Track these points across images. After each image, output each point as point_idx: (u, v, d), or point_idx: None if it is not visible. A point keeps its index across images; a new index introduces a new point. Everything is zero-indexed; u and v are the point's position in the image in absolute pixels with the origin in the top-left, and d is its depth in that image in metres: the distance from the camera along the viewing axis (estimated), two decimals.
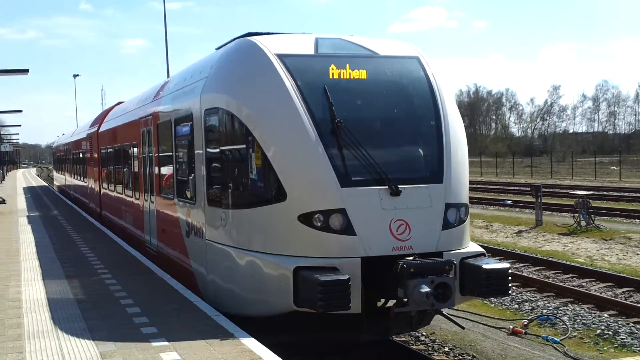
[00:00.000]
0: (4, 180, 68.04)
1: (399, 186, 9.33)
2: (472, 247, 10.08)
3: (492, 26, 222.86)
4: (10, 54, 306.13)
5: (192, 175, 11.55)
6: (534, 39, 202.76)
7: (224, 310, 9.75)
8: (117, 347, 7.80)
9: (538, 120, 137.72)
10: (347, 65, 10.06)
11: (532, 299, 14.92)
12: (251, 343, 8.06)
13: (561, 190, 41.24)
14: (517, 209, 32.72)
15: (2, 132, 70.12)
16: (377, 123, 10.19)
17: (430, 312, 9.83)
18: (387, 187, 9.31)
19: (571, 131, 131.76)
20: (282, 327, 9.42)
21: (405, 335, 12.29)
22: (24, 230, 21.24)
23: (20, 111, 44.40)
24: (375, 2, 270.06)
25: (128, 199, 18.44)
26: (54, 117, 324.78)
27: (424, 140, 10.23)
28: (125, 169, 19.02)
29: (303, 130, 9.33)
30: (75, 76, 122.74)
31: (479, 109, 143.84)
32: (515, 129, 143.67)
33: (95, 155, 25.37)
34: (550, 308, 14.08)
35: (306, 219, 9.11)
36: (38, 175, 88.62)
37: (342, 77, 9.98)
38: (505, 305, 14.53)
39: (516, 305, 14.48)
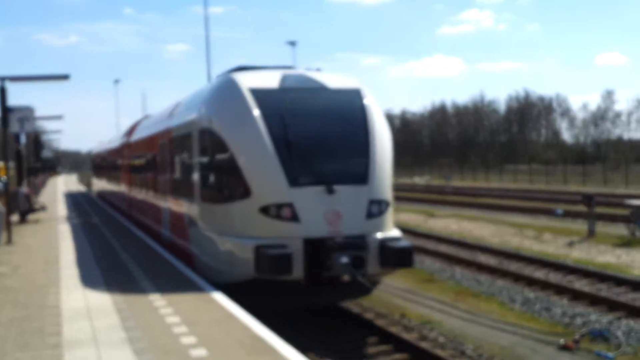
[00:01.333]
0: (45, 186, 69.07)
1: (334, 186, 12.67)
2: (393, 232, 13.45)
3: (545, 29, 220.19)
4: (52, 59, 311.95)
5: (191, 179, 15.37)
6: (590, 43, 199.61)
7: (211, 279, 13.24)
8: (156, 357, 7.77)
9: (591, 126, 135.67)
10: (303, 95, 13.87)
11: (584, 312, 14.45)
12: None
13: (615, 200, 40.21)
14: (569, 219, 32.04)
15: (43, 139, 71.20)
16: (320, 139, 13.41)
17: (367, 284, 12.72)
18: (324, 187, 12.65)
19: (626, 138, 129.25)
20: (254, 293, 12.45)
21: (450, 348, 12.03)
22: (63, 237, 21.41)
23: (61, 117, 44.74)
24: (423, 5, 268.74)
25: (149, 200, 22.34)
26: (95, 123, 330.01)
27: (355, 153, 13.48)
28: (148, 175, 22.73)
29: (264, 146, 12.81)
30: (116, 82, 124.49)
31: (528, 114, 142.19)
32: (566, 136, 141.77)
33: (126, 163, 29.25)
34: (603, 322, 13.61)
35: (264, 210, 12.61)
36: (79, 182, 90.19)
37: (297, 104, 13.58)
38: (556, 319, 14.12)
39: (567, 319, 14.04)
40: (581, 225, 28.08)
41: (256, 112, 13.15)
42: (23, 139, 28.42)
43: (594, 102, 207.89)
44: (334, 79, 14.70)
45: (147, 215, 23.06)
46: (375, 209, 13.11)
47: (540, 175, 72.74)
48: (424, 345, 11.89)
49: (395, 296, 16.60)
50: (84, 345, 8.43)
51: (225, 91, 14.17)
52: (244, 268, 12.48)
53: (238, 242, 12.81)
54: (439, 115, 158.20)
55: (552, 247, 23.75)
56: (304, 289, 12.58)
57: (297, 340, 10.97)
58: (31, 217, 28.59)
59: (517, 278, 18.16)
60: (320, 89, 14.18)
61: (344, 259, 12.15)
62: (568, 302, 15.43)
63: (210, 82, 15.96)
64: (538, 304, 15.34)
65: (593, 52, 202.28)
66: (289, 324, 13.05)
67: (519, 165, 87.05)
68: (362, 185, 13.07)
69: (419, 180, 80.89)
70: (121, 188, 31.50)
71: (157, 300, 11.09)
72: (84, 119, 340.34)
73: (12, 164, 37.35)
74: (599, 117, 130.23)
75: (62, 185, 76.87)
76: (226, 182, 13.65)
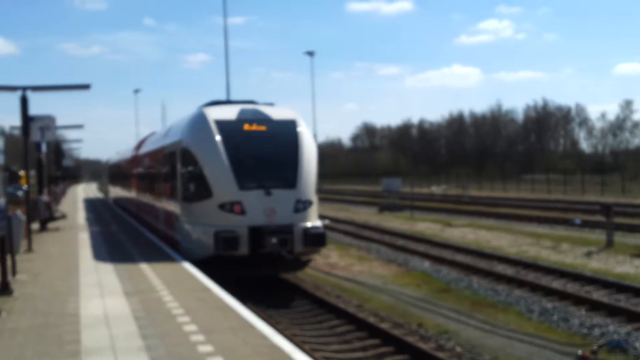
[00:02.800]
0: (65, 195, 69.63)
1: (271, 190, 17.71)
2: (314, 222, 18.38)
3: (563, 39, 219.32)
4: (74, 69, 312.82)
5: (176, 185, 20.28)
6: (609, 53, 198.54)
7: (189, 258, 17.81)
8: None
9: (609, 136, 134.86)
10: (253, 125, 18.71)
11: (601, 323, 14.34)
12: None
13: (633, 210, 40.03)
14: (587, 229, 31.88)
15: (64, 147, 71.72)
16: (263, 157, 18.34)
17: (299, 261, 18.64)
18: (264, 190, 17.70)
19: None
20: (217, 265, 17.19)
21: (467, 358, 12.00)
22: (83, 246, 21.57)
23: (82, 126, 45.34)
24: (441, 14, 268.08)
25: (151, 203, 27.23)
26: (114, 132, 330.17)
27: (287, 166, 18.35)
28: (150, 183, 27.74)
29: (222, 162, 17.82)
30: (136, 91, 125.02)
31: (546, 124, 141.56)
32: (584, 145, 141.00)
33: (135, 172, 34.32)
34: (621, 333, 13.50)
35: (221, 206, 17.67)
36: (98, 190, 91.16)
37: (249, 131, 18.57)
38: (573, 329, 14.04)
39: (585, 330, 13.96)
40: (599, 236, 27.93)
41: (218, 137, 18.21)
42: (44, 148, 28.70)
43: (613, 112, 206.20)
44: (277, 112, 19.89)
45: (150, 215, 27.86)
46: (301, 206, 18.17)
47: (558, 185, 72.37)
48: (441, 355, 11.83)
49: (412, 306, 16.58)
50: (102, 353, 8.46)
51: (198, 121, 19.35)
52: (208, 248, 17.56)
53: (204, 229, 17.90)
54: (456, 124, 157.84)
55: (569, 257, 23.63)
56: (249, 262, 17.73)
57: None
58: (51, 225, 28.81)
59: (534, 288, 18.08)
60: (266, 120, 19.17)
61: (274, 240, 17.30)
62: (586, 312, 15.32)
63: (191, 113, 20.98)
64: (556, 314, 15.26)
65: (612, 62, 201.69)
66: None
67: (537, 175, 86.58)
68: (291, 190, 18.12)
69: (435, 189, 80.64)
70: (132, 194, 36.42)
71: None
72: (105, 128, 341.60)
73: (33, 173, 38.08)
74: (617, 126, 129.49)
75: (82, 193, 79.85)
76: (197, 187, 18.71)
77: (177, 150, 20.21)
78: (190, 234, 18.74)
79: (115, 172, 50.78)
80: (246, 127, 18.69)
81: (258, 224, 17.46)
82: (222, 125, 18.54)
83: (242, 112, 19.21)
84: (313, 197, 18.63)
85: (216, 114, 19.08)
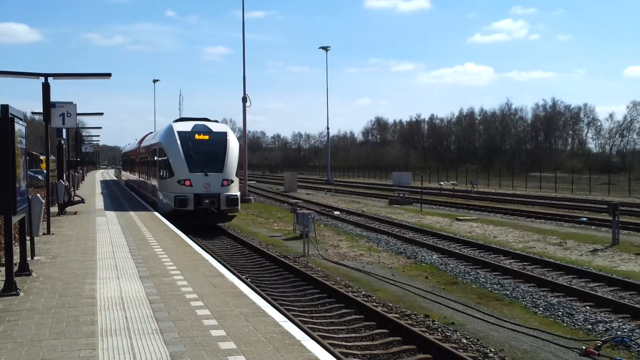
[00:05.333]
0: (84, 180, 70.23)
1: (208, 173, 29.89)
2: (233, 192, 30.44)
3: (576, 40, 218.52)
4: (96, 58, 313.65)
5: (156, 169, 33.14)
6: (621, 55, 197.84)
7: (161, 213, 29.27)
8: (186, 349, 7.90)
9: (617, 136, 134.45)
10: (200, 134, 31.11)
11: (606, 319, 14.51)
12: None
13: (639, 209, 40.12)
14: (593, 227, 31.99)
15: (83, 134, 72.34)
16: (204, 153, 30.51)
17: (225, 215, 30.92)
18: (204, 173, 29.80)
19: None
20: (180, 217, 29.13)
21: (474, 351, 12.16)
22: (101, 229, 21.84)
23: (102, 114, 45.85)
24: (457, 12, 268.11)
25: (145, 181, 40.71)
26: (133, 120, 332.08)
27: (219, 159, 30.48)
28: (146, 168, 40.56)
29: (180, 156, 30.20)
30: (154, 81, 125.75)
31: (555, 123, 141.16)
32: (592, 145, 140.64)
33: (137, 160, 48.23)
34: (625, 330, 13.66)
35: (179, 182, 29.94)
36: (115, 177, 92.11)
37: (198, 138, 30.89)
38: (578, 325, 14.21)
39: (590, 326, 14.12)
40: (605, 234, 28.07)
41: (178, 141, 30.71)
42: (64, 134, 29.02)
43: (621, 113, 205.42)
44: (216, 126, 32.87)
45: (143, 189, 41.46)
46: (225, 183, 30.37)
47: (565, 184, 72.32)
48: (447, 346, 12.03)
49: (419, 297, 16.75)
50: (118, 334, 8.65)
51: (168, 131, 32.23)
52: (171, 205, 29.84)
53: (169, 194, 30.24)
54: (466, 121, 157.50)
55: (575, 254, 23.79)
56: (195, 215, 29.75)
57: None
58: (70, 209, 29.10)
59: (540, 283, 18.27)
60: (209, 131, 31.74)
61: (206, 201, 29.64)
62: (591, 308, 15.51)
63: (165, 126, 34.27)
64: (561, 309, 15.42)
65: (623, 64, 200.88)
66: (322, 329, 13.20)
67: (544, 173, 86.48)
68: (219, 173, 30.35)
69: (444, 185, 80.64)
70: (135, 176, 50.48)
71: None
72: (124, 116, 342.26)
73: (52, 158, 39.06)
74: (625, 127, 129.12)
75: (99, 178, 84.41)
76: (166, 170, 31.36)
77: (157, 148, 33.80)
78: (162, 198, 31.72)
79: (125, 160, 68.67)
80: (196, 136, 31.25)
81: (199, 192, 29.87)
82: (182, 134, 31.20)
83: (195, 126, 32.07)
84: (234, 177, 31.04)
85: (179, 127, 32.03)
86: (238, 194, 30.89)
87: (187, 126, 31.87)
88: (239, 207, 31.33)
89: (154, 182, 34.27)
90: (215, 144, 31.05)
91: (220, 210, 30.05)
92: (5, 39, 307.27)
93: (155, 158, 34.01)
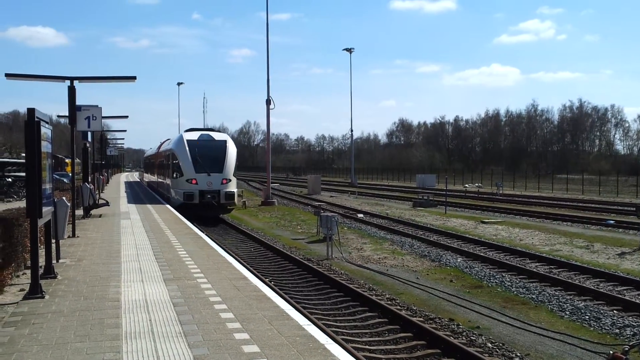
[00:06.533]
0: (108, 182, 70.83)
1: (210, 173, 37.24)
2: (232, 189, 37.83)
3: (604, 40, 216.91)
4: (122, 61, 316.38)
5: (170, 171, 40.77)
6: None
7: (173, 206, 36.68)
8: (210, 352, 7.90)
9: None
10: (205, 142, 38.70)
11: (634, 323, 14.35)
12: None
13: None
14: (621, 230, 31.67)
15: (108, 137, 72.99)
16: (208, 157, 37.74)
17: (224, 208, 38.21)
18: (207, 173, 37.19)
19: None
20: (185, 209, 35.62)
21: (499, 356, 12.07)
22: (125, 232, 21.97)
23: (127, 117, 47.15)
24: (484, 13, 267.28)
25: (162, 181, 47.64)
26: (158, 123, 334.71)
27: (219, 162, 37.78)
28: (162, 170, 47.78)
29: (188, 159, 37.52)
30: (179, 84, 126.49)
31: (582, 124, 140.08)
32: (620, 147, 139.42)
33: (156, 163, 56.07)
34: None
35: (187, 180, 37.28)
36: (139, 179, 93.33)
37: (201, 145, 38.36)
38: (605, 329, 14.05)
39: (617, 330, 13.96)
40: (633, 237, 27.77)
41: (187, 148, 37.78)
42: (90, 137, 29.23)
43: None
44: (217, 135, 40.87)
45: (160, 187, 49.70)
46: (224, 181, 37.11)
47: (592, 186, 71.72)
48: (472, 350, 11.94)
49: (444, 300, 16.66)
50: (142, 337, 8.68)
51: (179, 140, 39.63)
52: (180, 199, 36.79)
53: (179, 191, 37.20)
54: (492, 123, 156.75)
55: (603, 257, 23.55)
56: (200, 207, 36.53)
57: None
58: (94, 211, 29.31)
59: (567, 287, 18.10)
60: (211, 139, 39.09)
61: (208, 196, 36.58)
62: (618, 312, 15.34)
63: (177, 135, 42.92)
64: (588, 313, 15.27)
65: None
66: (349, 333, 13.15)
67: (571, 175, 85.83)
68: (220, 173, 37.19)
69: (469, 187, 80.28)
70: (154, 177, 57.91)
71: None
72: (149, 119, 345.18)
73: (78, 161, 40.19)
74: None
75: (124, 179, 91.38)
76: (177, 171, 38.12)
77: (170, 153, 41.65)
78: (174, 194, 38.88)
79: (147, 163, 76.63)
80: (201, 143, 38.49)
81: (203, 189, 36.95)
82: (190, 142, 38.46)
83: (201, 135, 39.70)
84: (232, 177, 38.01)
85: (187, 136, 39.54)
86: (235, 190, 38.52)
87: (194, 135, 39.54)
88: (236, 201, 39.34)
89: (168, 181, 42.15)
90: (217, 149, 38.28)
91: (220, 204, 37.20)
92: (32, 43, 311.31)
93: (169, 161, 41.80)
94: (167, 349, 8.06)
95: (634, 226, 29.92)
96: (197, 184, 36.80)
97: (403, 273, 20.68)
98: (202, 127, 45.23)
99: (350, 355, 8.19)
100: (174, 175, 39.08)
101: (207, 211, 36.79)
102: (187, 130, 41.89)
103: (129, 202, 39.76)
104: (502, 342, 12.95)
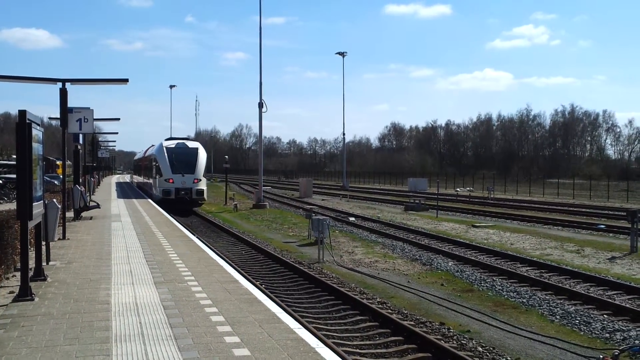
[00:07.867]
0: (99, 185, 70.84)
1: (184, 174, 47.31)
2: (202, 187, 48.11)
3: (597, 46, 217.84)
4: (116, 64, 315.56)
5: (153, 172, 52.24)
6: None
7: (154, 200, 46.67)
8: (200, 355, 7.88)
9: (636, 143, 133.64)
10: (180, 149, 49.41)
11: (624, 328, 14.36)
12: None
13: None
14: (611, 234, 31.76)
15: (100, 139, 72.97)
16: (182, 161, 47.94)
17: (195, 202, 48.38)
18: (181, 174, 47.26)
19: None
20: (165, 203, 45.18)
21: (489, 358, 12.07)
22: (116, 235, 21.92)
23: (118, 119, 50.50)
24: (477, 18, 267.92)
25: (146, 181, 59.70)
26: (150, 126, 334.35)
27: (191, 165, 48.07)
28: (147, 172, 58.49)
29: (166, 163, 47.91)
30: (171, 87, 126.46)
31: (573, 129, 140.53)
32: (611, 152, 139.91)
33: (142, 165, 66.48)
34: None
35: (165, 180, 47.39)
36: (129, 181, 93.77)
37: (178, 151, 48.86)
38: (595, 334, 14.07)
39: (607, 335, 13.98)
40: (623, 241, 27.85)
41: (165, 154, 48.27)
42: (81, 139, 29.16)
43: None
44: (191, 143, 52.20)
45: (145, 186, 59.54)
46: (195, 181, 47.36)
47: (583, 190, 71.94)
48: (463, 354, 11.93)
49: (435, 304, 16.66)
50: (132, 340, 8.64)
51: (159, 147, 50.53)
52: (160, 195, 47.09)
53: (159, 188, 47.89)
54: (484, 127, 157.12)
55: (593, 261, 23.61)
56: (176, 201, 46.45)
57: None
58: (85, 214, 29.24)
59: (557, 291, 18.13)
60: (185, 147, 50.07)
61: (182, 192, 46.68)
62: (608, 317, 15.36)
63: (158, 143, 52.42)
64: (578, 318, 15.28)
65: None
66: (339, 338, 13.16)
67: (562, 179, 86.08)
68: (192, 174, 47.43)
69: (460, 191, 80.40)
70: (141, 178, 67.20)
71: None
72: (141, 122, 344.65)
73: (69, 163, 41.33)
74: None
75: (115, 180, 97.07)
76: (158, 172, 49.05)
77: (152, 157, 51.54)
78: (154, 191, 49.17)
79: (135, 165, 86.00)
80: (177, 150, 48.24)
81: (178, 187, 46.19)
82: (168, 149, 48.34)
83: (177, 143, 49.89)
84: (202, 177, 47.73)
85: (166, 144, 49.39)
86: (205, 188, 48.66)
87: (172, 143, 50.29)
88: (205, 197, 48.98)
89: (151, 180, 53.82)
90: (190, 155, 48.51)
91: (192, 199, 47.19)
92: (26, 45, 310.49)
93: (152, 164, 52.92)
94: (157, 352, 8.02)
95: (625, 231, 30.01)
96: (174, 183, 46.95)
97: (394, 277, 20.67)
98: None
99: (341, 358, 8.18)
100: (155, 175, 50.23)
101: (181, 205, 46.58)
102: (166, 139, 53.07)
103: (118, 197, 51.07)
104: (493, 346, 12.95)
